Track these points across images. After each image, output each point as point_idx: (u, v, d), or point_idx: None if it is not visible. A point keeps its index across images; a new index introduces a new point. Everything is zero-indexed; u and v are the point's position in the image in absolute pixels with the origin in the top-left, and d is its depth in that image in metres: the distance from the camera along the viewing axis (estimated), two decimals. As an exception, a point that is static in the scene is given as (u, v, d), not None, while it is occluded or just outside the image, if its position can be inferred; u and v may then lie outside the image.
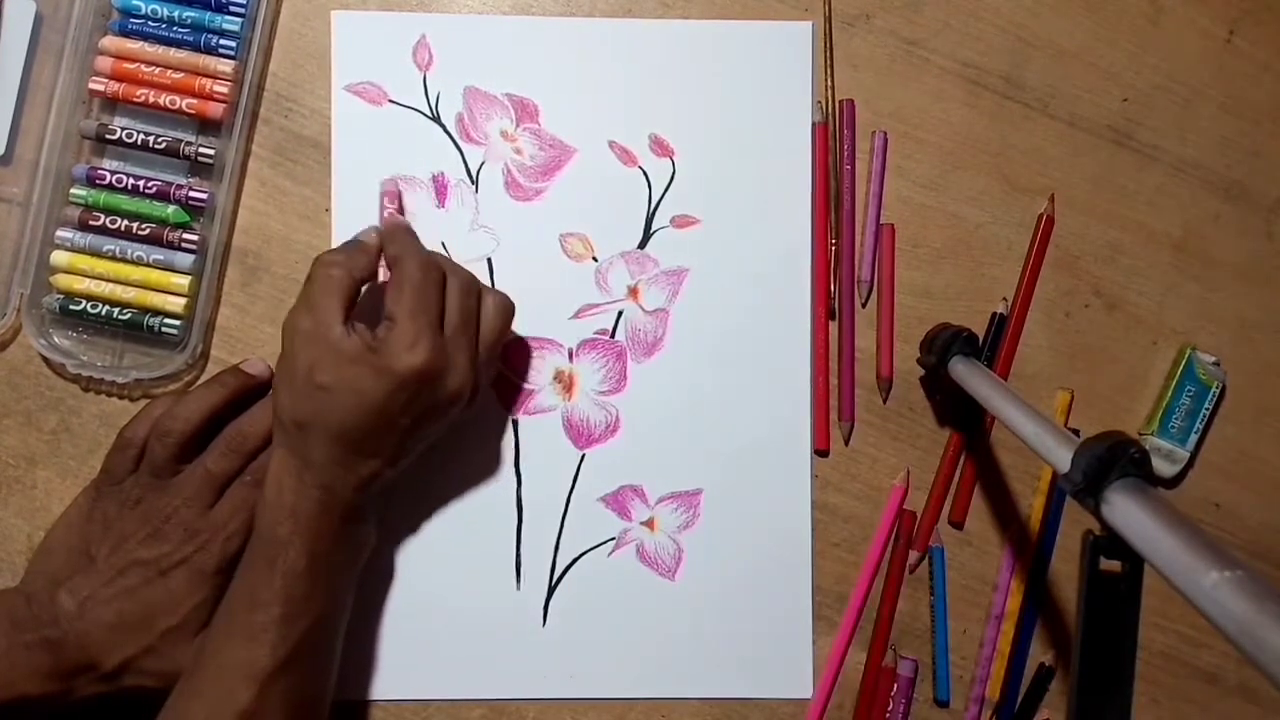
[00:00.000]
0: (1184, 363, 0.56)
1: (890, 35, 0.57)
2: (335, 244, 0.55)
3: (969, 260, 0.57)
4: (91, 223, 0.53)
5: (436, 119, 0.56)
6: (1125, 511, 0.36)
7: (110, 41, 0.53)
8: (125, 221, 0.53)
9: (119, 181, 0.53)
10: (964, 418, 0.56)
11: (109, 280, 0.53)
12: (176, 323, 0.53)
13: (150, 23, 0.53)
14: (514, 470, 0.55)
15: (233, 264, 0.55)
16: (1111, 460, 0.37)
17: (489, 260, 0.55)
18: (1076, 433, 0.54)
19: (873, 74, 0.57)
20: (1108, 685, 0.39)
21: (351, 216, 0.55)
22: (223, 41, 0.53)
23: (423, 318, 0.46)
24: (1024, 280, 0.57)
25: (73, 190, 0.53)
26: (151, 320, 0.53)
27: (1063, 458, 0.39)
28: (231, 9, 0.53)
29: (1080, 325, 0.57)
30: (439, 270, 0.48)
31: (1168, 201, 0.58)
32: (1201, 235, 0.58)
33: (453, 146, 0.55)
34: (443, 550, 0.54)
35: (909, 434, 0.57)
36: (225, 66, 0.53)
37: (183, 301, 0.53)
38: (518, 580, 0.55)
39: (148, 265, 0.53)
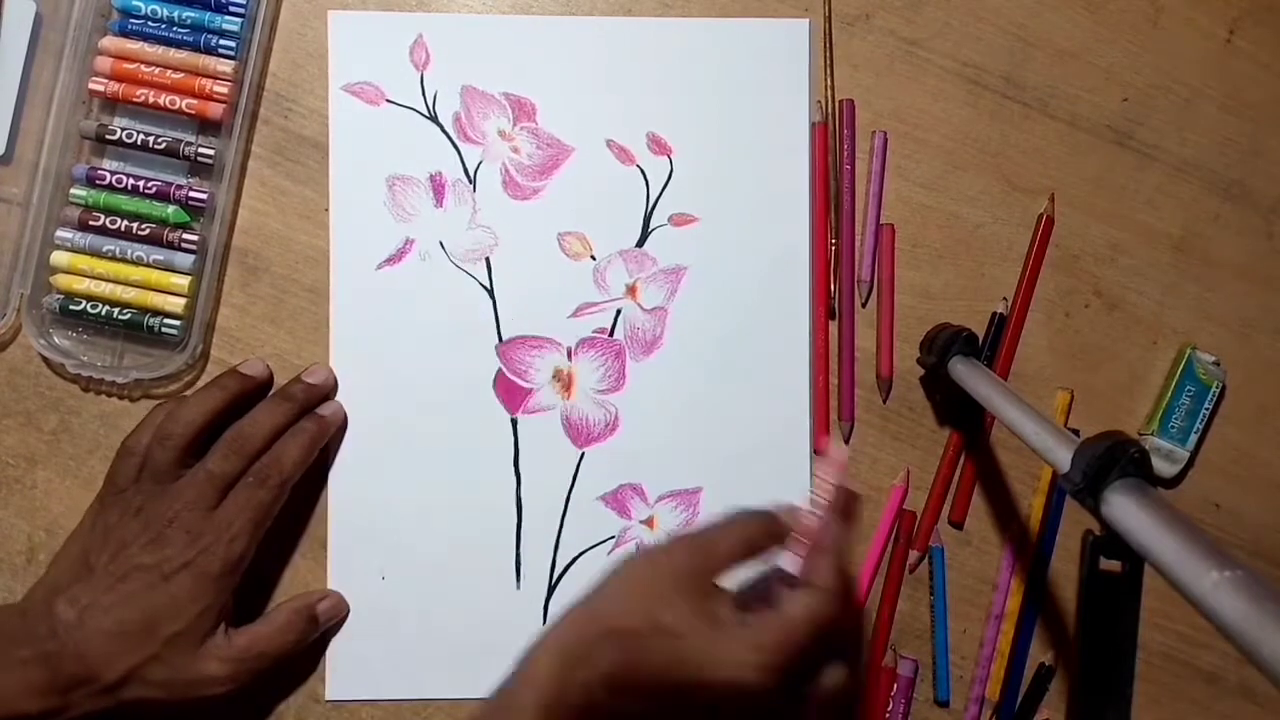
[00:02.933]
0: (1184, 363, 0.56)
1: (890, 35, 0.57)
2: (333, 244, 0.55)
3: (969, 260, 0.57)
4: (91, 223, 0.53)
5: (434, 118, 0.55)
6: (1125, 511, 0.36)
7: (110, 42, 0.53)
8: (125, 222, 0.53)
9: (119, 182, 0.53)
10: (964, 418, 0.56)
11: (109, 280, 0.53)
12: (176, 323, 0.53)
13: (150, 23, 0.53)
14: (513, 469, 0.55)
15: (233, 264, 0.55)
16: (1111, 460, 0.37)
17: (487, 260, 0.55)
18: (1076, 433, 0.54)
19: (872, 74, 0.57)
20: (1108, 685, 0.39)
21: (350, 216, 0.55)
22: (222, 42, 0.53)
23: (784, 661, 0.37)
24: (1024, 280, 0.57)
25: (73, 190, 0.53)
26: (151, 320, 0.53)
27: (1063, 458, 0.39)
28: (231, 9, 0.53)
29: (1080, 325, 0.57)
30: (827, 631, 0.38)
31: (1168, 201, 0.58)
32: (1201, 235, 0.58)
33: (450, 146, 0.55)
34: (443, 550, 0.54)
35: (909, 434, 0.57)
36: (225, 67, 0.53)
37: (183, 302, 0.53)
38: (518, 580, 0.55)
39: (148, 265, 0.53)
